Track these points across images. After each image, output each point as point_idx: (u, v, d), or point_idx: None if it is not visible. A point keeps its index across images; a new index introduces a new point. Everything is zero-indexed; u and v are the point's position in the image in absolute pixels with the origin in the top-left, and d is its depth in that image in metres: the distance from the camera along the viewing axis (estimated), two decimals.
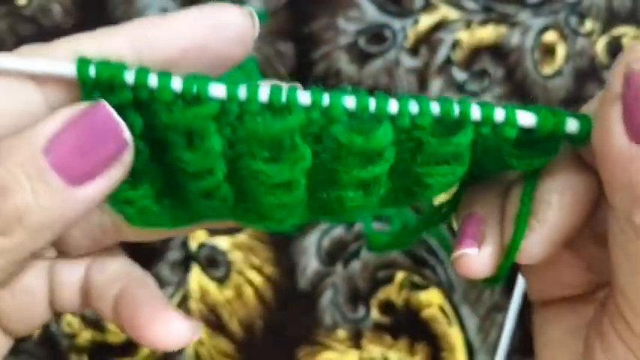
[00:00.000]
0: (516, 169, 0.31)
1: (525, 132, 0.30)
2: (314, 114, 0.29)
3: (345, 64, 0.64)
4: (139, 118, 0.29)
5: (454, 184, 0.32)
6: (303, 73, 0.65)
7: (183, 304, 0.63)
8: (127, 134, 0.29)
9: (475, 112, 0.29)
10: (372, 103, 0.29)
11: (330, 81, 0.64)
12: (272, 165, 0.29)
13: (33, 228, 0.29)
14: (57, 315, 0.39)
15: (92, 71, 0.29)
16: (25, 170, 0.29)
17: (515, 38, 0.64)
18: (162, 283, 0.63)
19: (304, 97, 0.28)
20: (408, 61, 0.64)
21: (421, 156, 0.30)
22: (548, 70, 0.64)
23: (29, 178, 0.29)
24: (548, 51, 0.64)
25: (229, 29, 0.29)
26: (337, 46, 0.64)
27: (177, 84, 0.28)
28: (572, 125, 0.29)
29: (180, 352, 0.63)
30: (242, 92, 0.28)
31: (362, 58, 0.64)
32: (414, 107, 0.29)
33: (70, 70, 0.29)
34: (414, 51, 0.64)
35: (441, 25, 0.64)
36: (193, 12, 0.30)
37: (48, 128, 0.29)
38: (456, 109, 0.29)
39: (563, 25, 0.64)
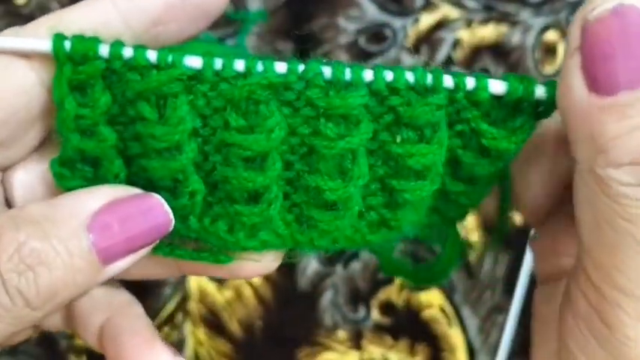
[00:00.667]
0: (497, 150, 0.31)
1: (499, 102, 0.30)
2: (290, 77, 0.29)
3: None
4: (108, 95, 0.30)
5: (435, 174, 0.32)
6: None
7: (182, 305, 0.63)
8: (171, 221, 0.31)
9: (448, 80, 0.30)
10: (348, 70, 0.30)
11: None
12: (247, 135, 0.30)
13: (62, 302, 0.30)
14: (39, 331, 0.38)
15: (67, 45, 0.29)
16: (67, 247, 0.29)
17: (516, 37, 0.64)
18: (161, 283, 0.63)
19: (280, 66, 0.30)
20: (409, 60, 0.64)
21: (400, 132, 0.30)
22: (549, 69, 0.64)
23: (71, 256, 0.29)
24: (550, 50, 0.64)
25: None
26: (337, 45, 0.64)
27: (152, 54, 0.29)
28: (540, 90, 0.30)
29: (179, 352, 0.62)
30: (218, 62, 0.29)
31: (362, 57, 0.64)
32: (388, 74, 0.30)
33: (47, 46, 0.29)
34: (414, 50, 0.64)
35: (441, 24, 0.64)
36: None
37: (90, 205, 0.29)
38: (429, 77, 0.30)
39: (565, 25, 0.64)
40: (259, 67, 0.29)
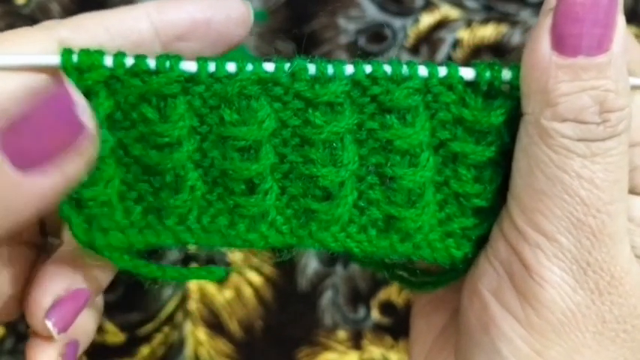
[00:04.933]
0: (481, 125, 0.33)
1: (473, 89, 0.33)
2: (278, 73, 0.33)
3: None
4: (111, 100, 0.32)
5: (424, 158, 0.33)
6: None
7: (182, 305, 0.63)
8: (87, 119, 0.29)
9: (422, 70, 0.33)
10: (330, 66, 0.33)
11: None
12: (241, 127, 0.32)
13: None
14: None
15: (75, 58, 0.32)
16: None
17: (516, 37, 0.64)
18: (161, 283, 0.62)
19: (269, 65, 0.33)
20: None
21: (383, 118, 0.33)
22: None
23: None
24: None
25: (232, 9, 0.33)
26: (337, 45, 0.64)
27: (151, 61, 0.32)
28: (506, 74, 0.33)
29: (179, 352, 0.63)
30: (211, 64, 0.33)
31: (362, 57, 0.64)
32: (367, 67, 0.33)
33: (56, 60, 0.32)
34: (414, 50, 0.64)
35: (441, 24, 0.64)
36: None
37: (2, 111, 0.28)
38: (404, 67, 0.33)
39: None
40: (249, 67, 0.32)
